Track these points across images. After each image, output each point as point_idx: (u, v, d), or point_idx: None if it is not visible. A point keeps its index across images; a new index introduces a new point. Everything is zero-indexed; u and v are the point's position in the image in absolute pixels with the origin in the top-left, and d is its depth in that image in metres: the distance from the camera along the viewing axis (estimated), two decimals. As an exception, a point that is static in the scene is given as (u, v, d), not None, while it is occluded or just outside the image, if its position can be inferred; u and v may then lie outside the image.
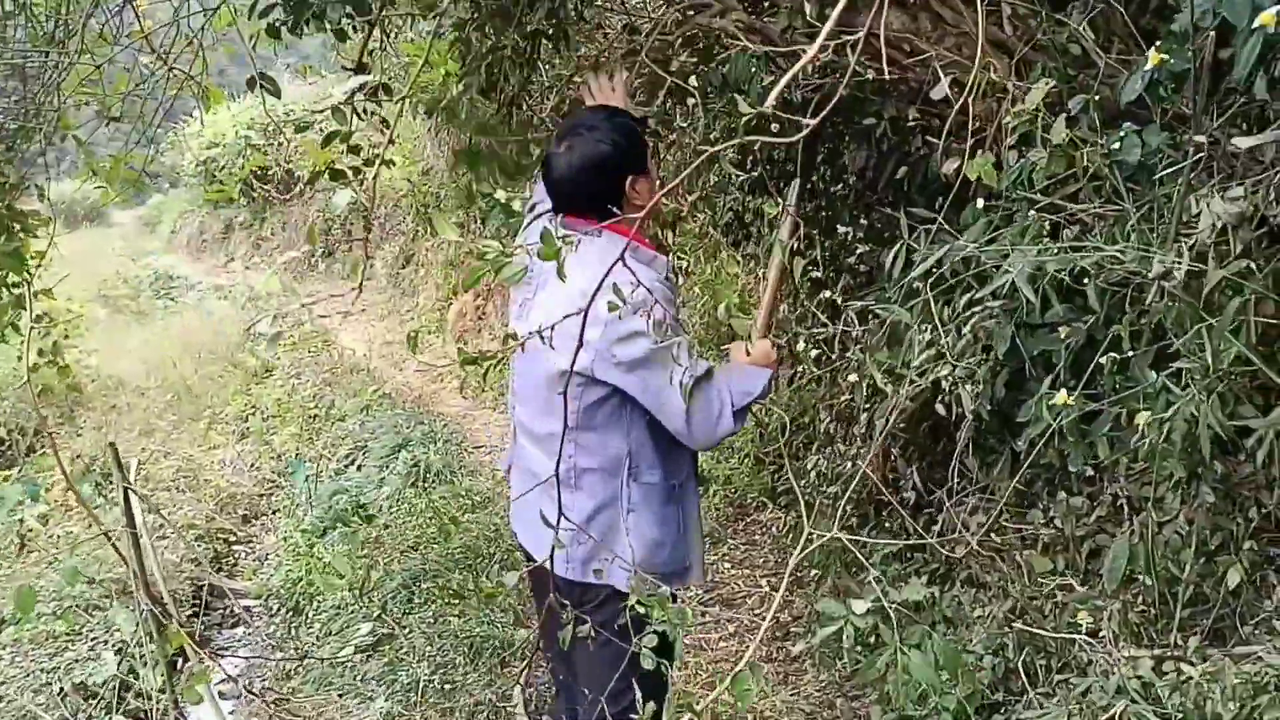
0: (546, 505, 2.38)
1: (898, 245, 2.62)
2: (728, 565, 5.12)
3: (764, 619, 4.59)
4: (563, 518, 2.06)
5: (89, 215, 21.68)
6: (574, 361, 1.78)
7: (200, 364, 10.21)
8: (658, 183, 2.74)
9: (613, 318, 2.35)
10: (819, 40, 1.35)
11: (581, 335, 1.60)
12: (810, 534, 1.95)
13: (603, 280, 1.52)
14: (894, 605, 1.95)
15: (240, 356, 10.50)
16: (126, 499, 1.80)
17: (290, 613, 5.40)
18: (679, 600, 2.78)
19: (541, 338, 1.59)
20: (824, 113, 1.45)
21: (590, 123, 2.67)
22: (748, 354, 2.73)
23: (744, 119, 1.44)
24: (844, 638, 1.93)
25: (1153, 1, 2.86)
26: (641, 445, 2.65)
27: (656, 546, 2.68)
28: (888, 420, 2.94)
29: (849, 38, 1.45)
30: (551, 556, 2.04)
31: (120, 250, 18.65)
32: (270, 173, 14.95)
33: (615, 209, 2.36)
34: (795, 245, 3.24)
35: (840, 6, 1.38)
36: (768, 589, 4.82)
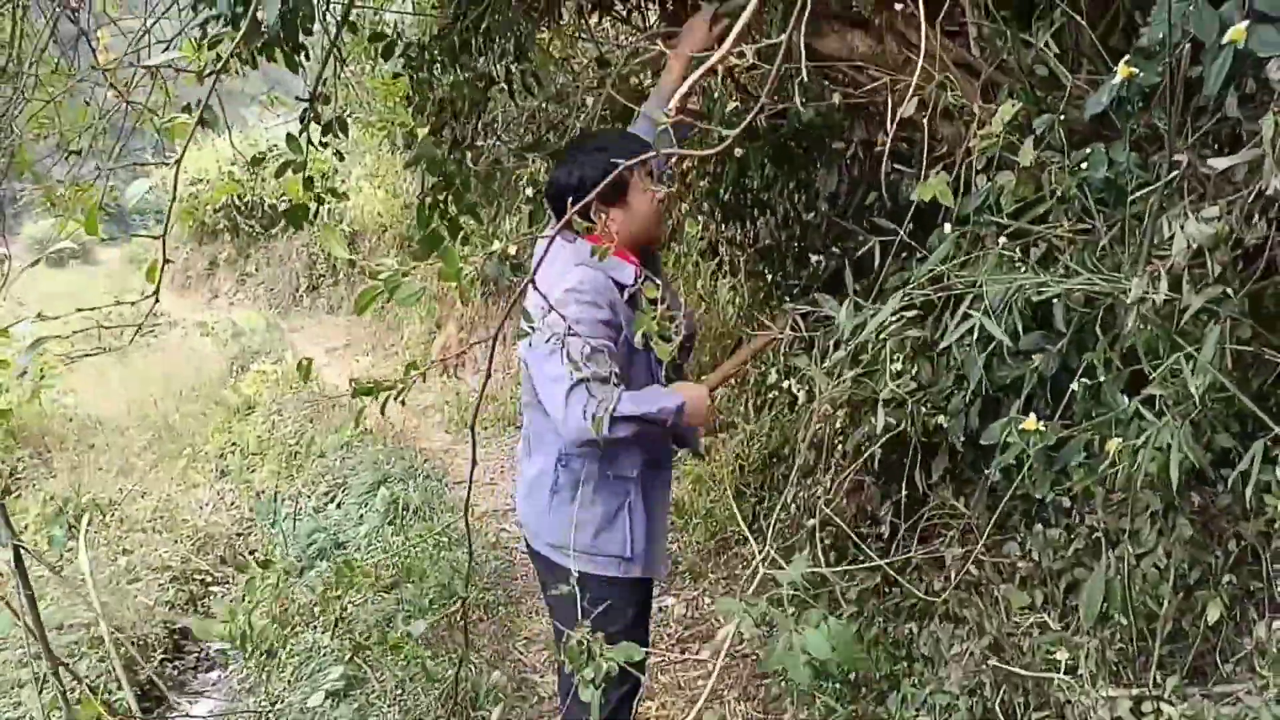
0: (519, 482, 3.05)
1: (846, 302, 2.54)
2: (708, 600, 5.02)
3: (745, 655, 4.50)
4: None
5: (75, 254, 21.61)
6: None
7: (181, 401, 10.11)
8: (651, 207, 2.87)
9: (541, 305, 2.52)
10: (725, 45, 1.28)
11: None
12: (767, 574, 1.87)
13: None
14: (788, 588, 1.89)
15: (223, 393, 10.41)
16: (17, 556, 1.70)
17: (264, 655, 5.28)
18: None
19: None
20: (742, 126, 1.38)
21: (581, 148, 2.90)
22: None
23: (659, 128, 1.37)
24: (741, 629, 1.87)
25: (1120, 21, 2.81)
26: None
27: (576, 528, 2.84)
28: (807, 431, 2.88)
29: (768, 42, 1.37)
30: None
31: (104, 288, 18.57)
32: (252, 208, 14.90)
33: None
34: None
35: (749, 11, 1.30)
36: (736, 622, 4.71)
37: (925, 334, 2.46)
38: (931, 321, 2.55)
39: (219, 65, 1.80)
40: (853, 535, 2.89)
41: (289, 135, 2.93)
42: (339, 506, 7.16)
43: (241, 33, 1.97)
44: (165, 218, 1.70)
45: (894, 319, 2.37)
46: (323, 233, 1.75)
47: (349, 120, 3.67)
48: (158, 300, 1.56)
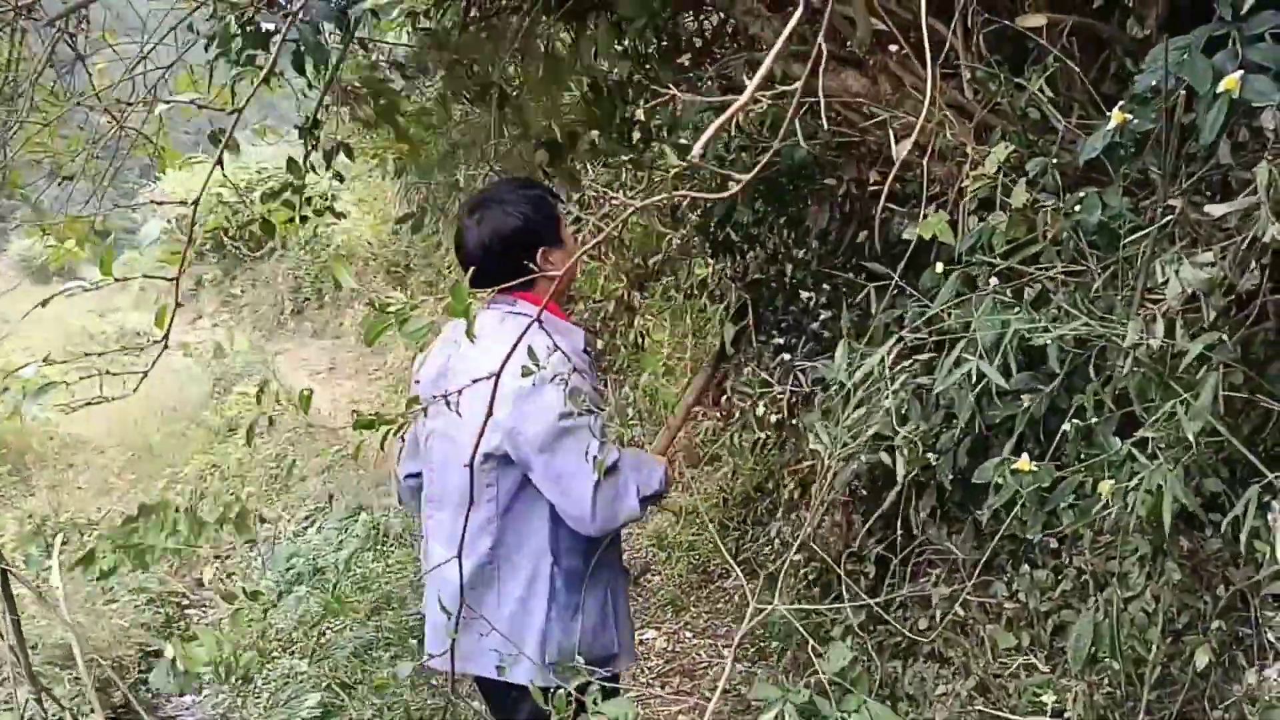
0: (487, 611, 2.48)
1: (840, 349, 2.53)
2: (689, 634, 5.00)
3: (725, 692, 4.47)
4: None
5: (59, 272, 21.49)
6: (478, 442, 1.67)
7: (163, 422, 10.05)
8: (574, 248, 2.69)
9: (523, 392, 2.32)
10: (749, 90, 1.29)
11: (490, 410, 1.49)
12: (757, 608, 1.87)
13: (511, 351, 1.43)
14: (828, 677, 1.86)
15: (204, 415, 10.36)
16: (3, 578, 1.68)
17: (240, 680, 5.22)
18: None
19: (447, 405, 1.49)
20: (756, 169, 1.39)
21: (500, 195, 2.63)
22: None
23: (673, 172, 1.38)
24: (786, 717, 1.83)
25: (1112, 67, 2.84)
26: (562, 527, 2.55)
27: (578, 633, 2.59)
28: (826, 486, 2.87)
29: (784, 88, 1.38)
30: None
31: (89, 306, 18.46)
32: (240, 229, 14.87)
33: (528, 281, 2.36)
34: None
35: (770, 58, 1.31)
36: (730, 659, 4.68)
37: (922, 378, 2.47)
38: (925, 362, 2.56)
39: (243, 104, 1.81)
40: (839, 570, 2.87)
41: (290, 160, 2.94)
42: (319, 531, 7.13)
43: (262, 76, 1.98)
44: (180, 258, 1.70)
45: (893, 361, 2.37)
46: (332, 262, 1.75)
47: (344, 146, 3.69)
48: (166, 345, 1.57)
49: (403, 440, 2.62)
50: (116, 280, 1.68)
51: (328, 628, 5.18)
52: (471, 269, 2.48)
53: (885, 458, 2.48)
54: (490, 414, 1.51)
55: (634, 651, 2.86)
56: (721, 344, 3.52)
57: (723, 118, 1.27)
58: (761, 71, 1.25)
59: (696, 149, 1.24)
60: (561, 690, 1.87)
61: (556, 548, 2.57)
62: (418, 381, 2.73)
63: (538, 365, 1.61)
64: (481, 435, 1.58)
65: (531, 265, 2.49)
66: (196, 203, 1.76)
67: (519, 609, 2.56)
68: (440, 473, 2.68)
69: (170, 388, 11.17)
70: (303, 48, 2.31)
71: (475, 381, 1.46)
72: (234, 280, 17.24)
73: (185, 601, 6.61)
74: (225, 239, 16.01)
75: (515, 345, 1.45)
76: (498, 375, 1.43)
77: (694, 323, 5.64)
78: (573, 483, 2.42)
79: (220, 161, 1.96)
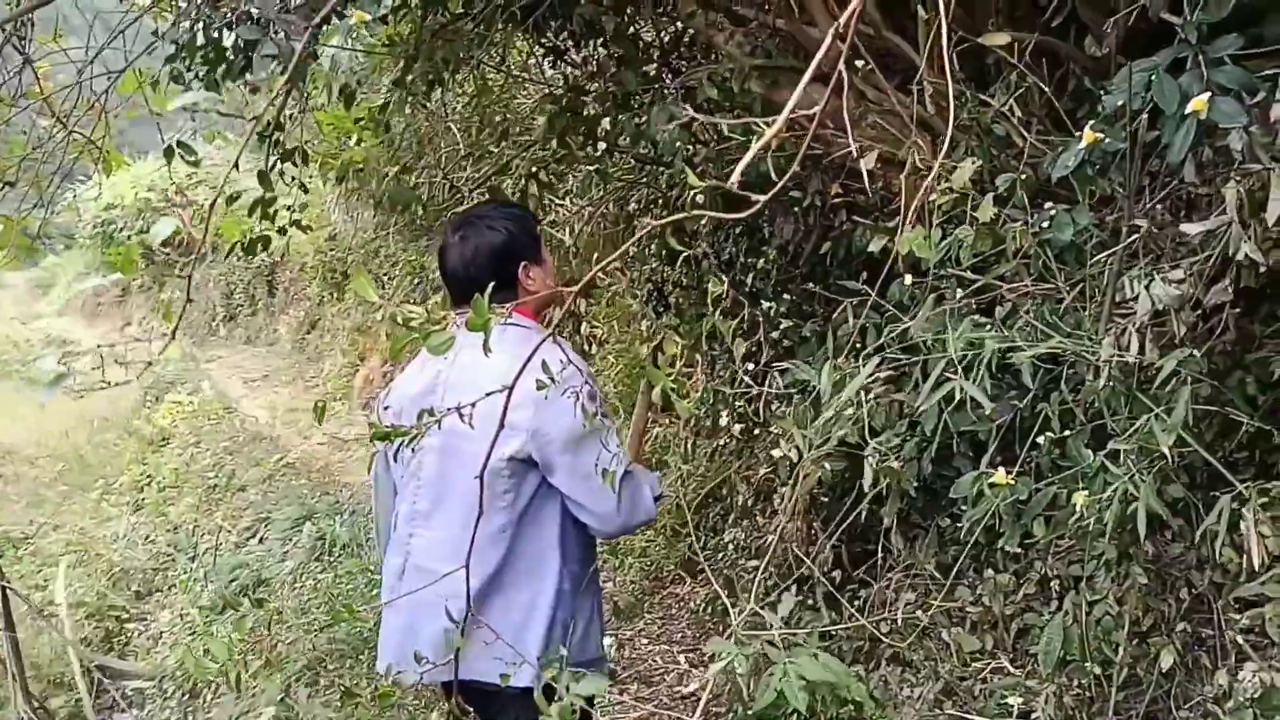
0: (494, 618, 2.44)
1: (825, 368, 2.57)
2: (644, 640, 5.01)
3: (681, 695, 4.50)
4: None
5: (-21, 279, 21.00)
6: (490, 451, 1.68)
7: (94, 432, 9.87)
8: (552, 269, 2.74)
9: (543, 396, 2.31)
10: (783, 115, 1.33)
11: (503, 418, 1.51)
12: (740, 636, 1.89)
13: (529, 358, 1.45)
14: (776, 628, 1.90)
15: (136, 424, 10.19)
16: (4, 596, 1.66)
17: (187, 695, 5.16)
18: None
19: (460, 418, 1.50)
20: (776, 189, 1.43)
21: (482, 213, 2.70)
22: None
23: (692, 193, 1.40)
24: (737, 667, 1.87)
25: (1070, 84, 2.91)
26: (569, 530, 2.58)
27: (582, 636, 2.62)
28: (794, 490, 2.90)
29: (805, 111, 1.41)
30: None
31: (10, 314, 18.05)
32: (177, 237, 14.62)
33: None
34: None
35: (801, 86, 1.35)
36: (686, 665, 4.72)
37: (893, 389, 2.52)
38: (893, 369, 2.61)
39: (245, 103, 1.81)
40: (807, 568, 2.91)
41: (260, 172, 2.92)
42: (261, 542, 7.05)
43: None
44: (194, 253, 1.69)
45: (871, 378, 2.41)
46: (354, 275, 1.75)
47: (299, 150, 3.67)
48: (174, 338, 1.57)
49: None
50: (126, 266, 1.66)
51: (278, 640, 5.12)
52: (458, 284, 2.59)
53: (865, 482, 2.52)
54: (503, 423, 1.52)
55: (606, 663, 2.86)
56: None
57: (759, 144, 1.30)
58: (794, 99, 1.29)
59: (736, 174, 1.26)
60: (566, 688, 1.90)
61: (565, 553, 2.58)
62: (387, 408, 2.70)
63: (552, 379, 1.63)
64: (494, 443, 1.59)
65: (515, 276, 2.56)
66: (216, 198, 1.75)
67: (527, 613, 2.56)
68: (434, 487, 2.62)
69: (100, 397, 10.96)
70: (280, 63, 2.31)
71: (494, 392, 1.48)
72: (164, 286, 16.97)
73: (125, 616, 6.50)
74: (153, 244, 15.74)
75: (533, 354, 1.47)
76: (513, 383, 1.45)
77: (646, 330, 5.65)
78: (599, 486, 2.42)
79: (236, 164, 1.95)
